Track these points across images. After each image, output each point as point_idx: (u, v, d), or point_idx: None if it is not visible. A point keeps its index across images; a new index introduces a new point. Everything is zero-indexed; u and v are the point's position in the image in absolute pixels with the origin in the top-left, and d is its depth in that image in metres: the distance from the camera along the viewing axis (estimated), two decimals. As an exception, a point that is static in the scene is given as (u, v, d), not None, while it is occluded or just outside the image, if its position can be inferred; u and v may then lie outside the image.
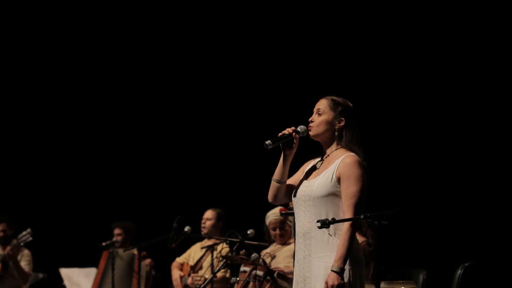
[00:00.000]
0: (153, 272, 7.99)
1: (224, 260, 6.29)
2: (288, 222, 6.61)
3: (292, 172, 4.26)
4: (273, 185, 4.23)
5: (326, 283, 3.90)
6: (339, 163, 4.04)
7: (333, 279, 3.88)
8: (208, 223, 7.35)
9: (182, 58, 9.07)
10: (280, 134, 4.14)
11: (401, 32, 7.74)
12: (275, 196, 4.25)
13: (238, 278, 6.09)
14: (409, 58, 7.71)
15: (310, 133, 4.15)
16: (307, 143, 4.21)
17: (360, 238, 4.14)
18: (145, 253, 7.60)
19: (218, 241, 6.88)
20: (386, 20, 7.82)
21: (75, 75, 9.40)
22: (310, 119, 4.16)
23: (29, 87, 9.47)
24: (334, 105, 4.14)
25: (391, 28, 7.80)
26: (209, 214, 7.40)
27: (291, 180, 4.25)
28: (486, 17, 7.37)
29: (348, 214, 3.95)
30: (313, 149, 4.26)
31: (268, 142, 4.10)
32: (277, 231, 6.66)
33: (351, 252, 3.93)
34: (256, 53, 8.48)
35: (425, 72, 7.70)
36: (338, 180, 4.02)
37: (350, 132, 4.13)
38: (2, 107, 9.50)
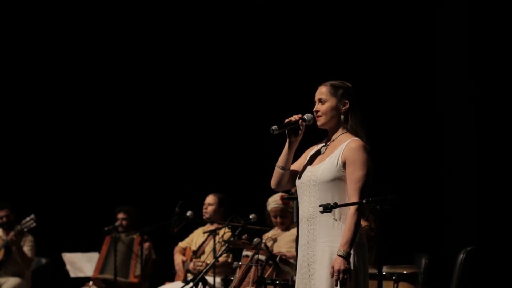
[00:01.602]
0: (153, 256, 8.01)
1: (227, 245, 6.30)
2: (289, 209, 6.61)
3: (295, 158, 4.27)
4: (277, 171, 4.23)
5: (333, 267, 3.91)
6: (344, 148, 4.04)
7: (340, 263, 3.89)
8: (210, 208, 7.35)
9: (182, 45, 9.06)
10: (286, 120, 4.14)
11: (400, 21, 7.73)
12: (278, 182, 4.25)
13: (240, 263, 6.10)
14: (409, 43, 7.70)
15: (318, 123, 4.15)
16: (313, 131, 4.22)
17: (362, 223, 4.15)
18: (145, 237, 7.62)
19: (220, 226, 6.88)
20: (386, 6, 7.81)
21: (78, 64, 9.39)
22: (314, 110, 4.16)
23: (33, 75, 9.46)
24: (335, 90, 4.13)
25: (390, 15, 7.78)
26: (210, 199, 7.40)
27: (294, 166, 4.25)
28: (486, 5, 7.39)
29: (354, 199, 3.96)
30: (318, 135, 4.27)
31: (274, 127, 4.09)
32: (278, 219, 6.66)
33: (357, 237, 3.94)
34: (261, 40, 8.47)
35: (426, 56, 7.69)
36: (344, 164, 4.02)
37: (355, 114, 4.13)
38: (4, 92, 9.49)
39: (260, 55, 8.44)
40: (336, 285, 3.92)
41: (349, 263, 3.91)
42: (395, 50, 7.70)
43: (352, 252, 3.94)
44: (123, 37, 9.21)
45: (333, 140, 4.15)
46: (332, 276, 3.91)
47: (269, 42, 8.39)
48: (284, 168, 4.20)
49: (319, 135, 4.26)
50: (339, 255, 3.91)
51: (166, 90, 9.14)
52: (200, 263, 7.11)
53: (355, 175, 3.99)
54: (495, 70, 7.31)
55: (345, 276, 3.89)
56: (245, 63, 8.56)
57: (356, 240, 3.95)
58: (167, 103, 9.10)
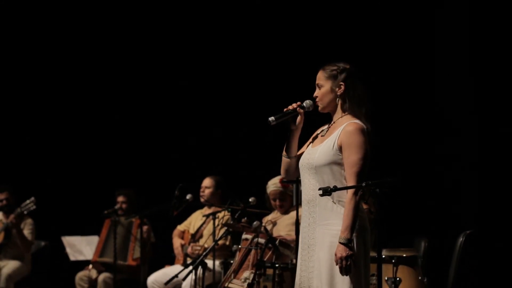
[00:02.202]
0: (152, 239, 8.01)
1: (226, 228, 6.30)
2: (288, 192, 6.60)
3: (303, 141, 4.25)
4: (284, 160, 4.23)
5: (335, 255, 3.90)
6: (340, 131, 4.02)
7: (341, 251, 3.88)
8: (207, 191, 7.35)
9: (178, 30, 9.02)
10: (285, 109, 4.11)
11: (400, 21, 7.71)
12: (287, 171, 4.25)
13: (239, 246, 6.09)
14: (409, 42, 7.70)
15: (319, 109, 4.14)
16: (316, 118, 4.20)
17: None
18: (145, 220, 7.62)
19: (218, 209, 6.87)
20: (386, 5, 7.79)
21: (77, 49, 9.37)
22: (314, 95, 4.15)
23: (32, 61, 9.43)
24: (329, 73, 4.12)
25: (390, 15, 7.76)
26: (207, 182, 7.39)
27: (301, 151, 4.23)
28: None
29: (351, 183, 3.93)
30: (323, 121, 4.25)
31: (271, 118, 4.04)
32: (277, 202, 6.65)
33: (357, 221, 3.92)
34: (260, 28, 8.44)
35: (426, 56, 7.67)
36: (340, 148, 4.00)
37: (352, 95, 4.09)
38: (4, 76, 9.47)
39: (259, 40, 8.42)
40: (341, 273, 3.90)
41: (351, 249, 3.88)
42: (396, 49, 7.68)
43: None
44: (122, 23, 9.19)
45: (334, 122, 4.14)
46: (336, 264, 3.90)
47: (272, 30, 8.37)
48: (289, 156, 4.19)
49: (325, 120, 4.25)
50: (340, 243, 3.89)
51: (163, 73, 9.11)
52: (198, 247, 7.11)
53: (350, 159, 3.96)
54: (495, 70, 7.30)
55: (348, 263, 3.89)
56: (242, 46, 8.54)
57: (357, 224, 3.93)
58: (165, 86, 9.08)
